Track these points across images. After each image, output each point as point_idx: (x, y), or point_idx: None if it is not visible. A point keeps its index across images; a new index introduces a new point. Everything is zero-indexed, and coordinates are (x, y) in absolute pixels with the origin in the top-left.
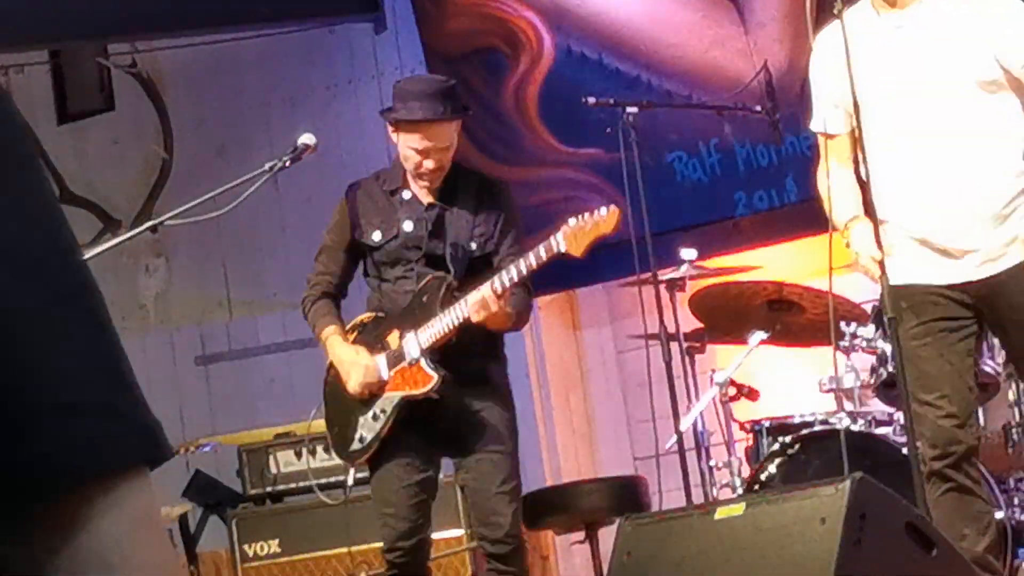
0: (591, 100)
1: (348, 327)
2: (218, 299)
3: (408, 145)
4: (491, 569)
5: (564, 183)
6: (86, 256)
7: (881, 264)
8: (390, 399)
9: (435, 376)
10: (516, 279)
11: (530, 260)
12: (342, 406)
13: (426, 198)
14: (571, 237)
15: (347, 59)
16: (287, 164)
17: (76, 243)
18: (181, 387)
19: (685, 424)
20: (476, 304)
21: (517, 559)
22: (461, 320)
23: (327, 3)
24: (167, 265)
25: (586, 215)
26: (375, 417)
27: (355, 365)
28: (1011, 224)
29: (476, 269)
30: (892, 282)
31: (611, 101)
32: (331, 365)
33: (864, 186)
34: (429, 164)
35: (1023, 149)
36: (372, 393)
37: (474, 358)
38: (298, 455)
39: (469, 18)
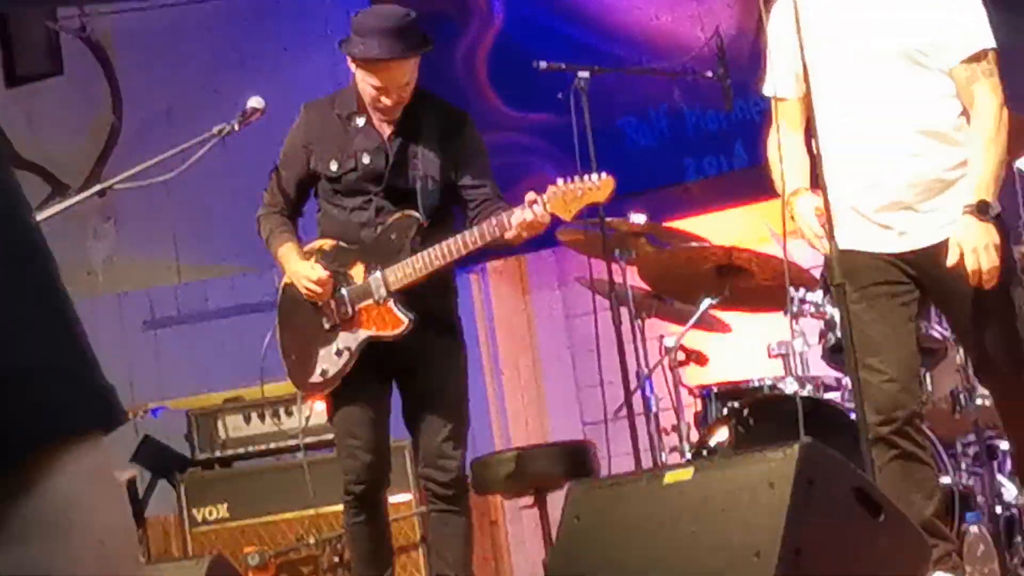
0: (542, 64)
1: (306, 250)
2: (167, 263)
3: (366, 81)
4: (436, 510)
5: (514, 148)
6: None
7: (829, 233)
8: (355, 336)
9: (406, 319)
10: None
11: (526, 213)
12: (300, 334)
13: (386, 127)
14: (558, 199)
15: (296, 22)
16: (236, 128)
17: (29, 208)
18: (130, 352)
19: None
20: (524, 223)
21: (464, 501)
22: (437, 264)
23: None
24: (116, 229)
25: (577, 179)
26: (339, 353)
27: (311, 280)
28: (949, 196)
29: (443, 201)
30: (825, 250)
31: (562, 66)
32: (286, 286)
33: (814, 155)
34: (387, 101)
35: (961, 122)
36: (334, 325)
37: (432, 298)
38: (247, 420)
39: None
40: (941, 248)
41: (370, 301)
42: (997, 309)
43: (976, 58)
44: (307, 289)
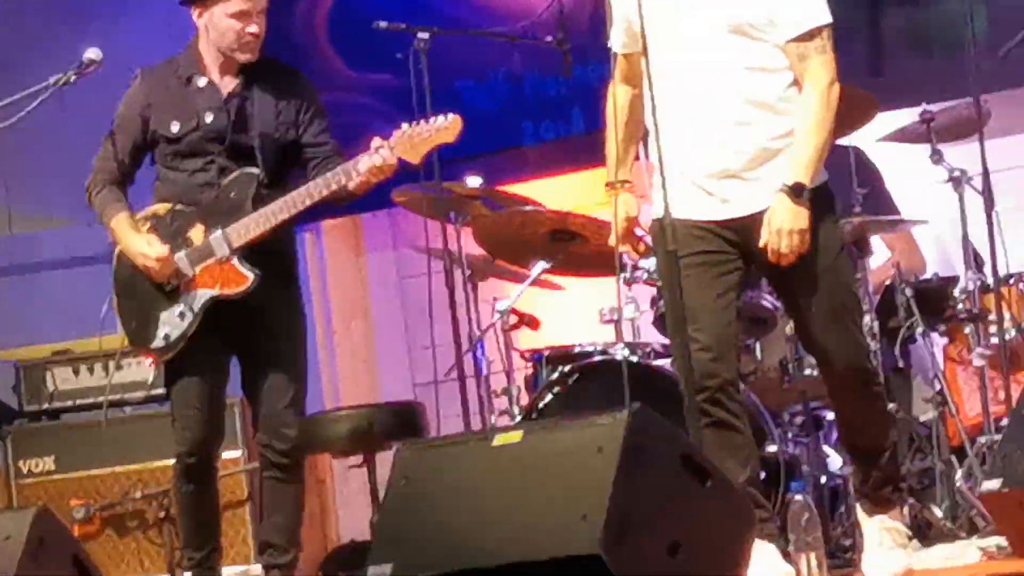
0: (382, 24)
1: (139, 217)
2: None
3: (227, 15)
4: (270, 476)
5: (353, 108)
6: None
7: (664, 197)
8: (198, 297)
9: (251, 275)
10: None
11: (374, 158)
12: (139, 299)
13: (226, 87)
14: (405, 142)
15: None
16: (72, 79)
17: None
18: None
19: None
20: (373, 168)
21: (299, 470)
22: (281, 217)
23: None
24: None
25: (423, 122)
26: (181, 315)
27: (148, 258)
28: (773, 165)
29: (283, 159)
30: (656, 215)
31: (402, 26)
32: (121, 253)
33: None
34: (253, 28)
35: (791, 92)
36: (175, 288)
37: (274, 254)
38: (76, 372)
39: None
40: (764, 216)
41: (212, 260)
42: (822, 279)
43: (809, 35)
44: (144, 266)
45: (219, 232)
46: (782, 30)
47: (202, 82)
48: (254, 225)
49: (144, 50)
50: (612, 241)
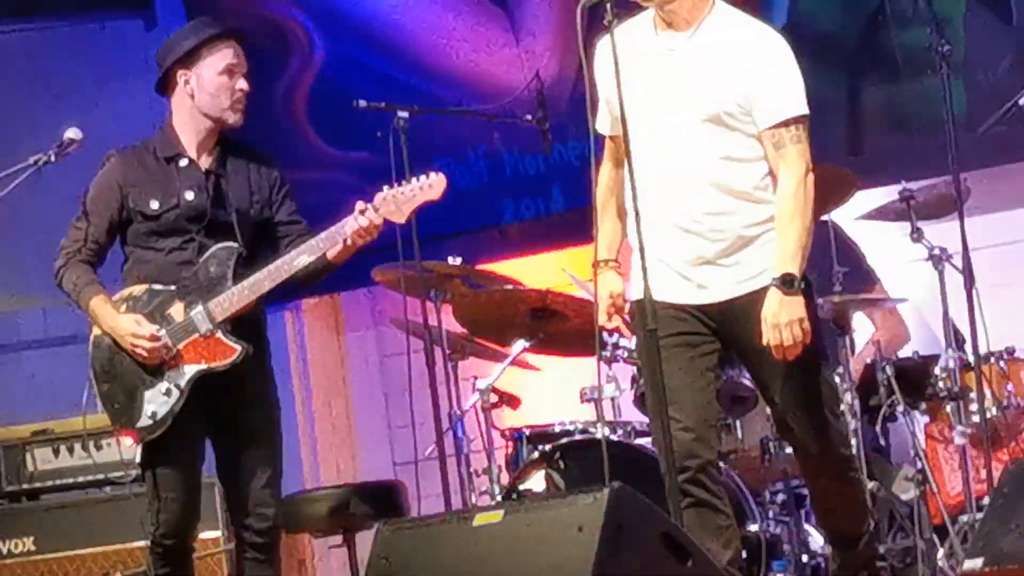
0: (362, 103)
1: (116, 298)
2: None
3: (216, 72)
4: (250, 559)
5: (333, 186)
6: None
7: (644, 278)
8: (184, 372)
9: (238, 347)
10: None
11: (361, 220)
12: (121, 380)
13: (203, 164)
14: (389, 204)
15: (116, 55)
16: (52, 159)
17: None
18: None
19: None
20: (359, 230)
21: (276, 549)
22: (266, 286)
23: None
24: None
25: (406, 182)
26: (168, 392)
27: (140, 337)
28: (749, 251)
29: (258, 237)
30: (635, 297)
31: (382, 105)
32: (99, 337)
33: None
34: (243, 85)
35: (767, 181)
36: (159, 365)
37: (249, 327)
38: (56, 452)
39: (240, 19)
40: (740, 302)
41: (195, 336)
42: (797, 368)
43: (784, 124)
44: (133, 346)
45: (200, 307)
46: (758, 120)
47: (183, 162)
48: (237, 298)
49: (124, 129)
50: (601, 319)
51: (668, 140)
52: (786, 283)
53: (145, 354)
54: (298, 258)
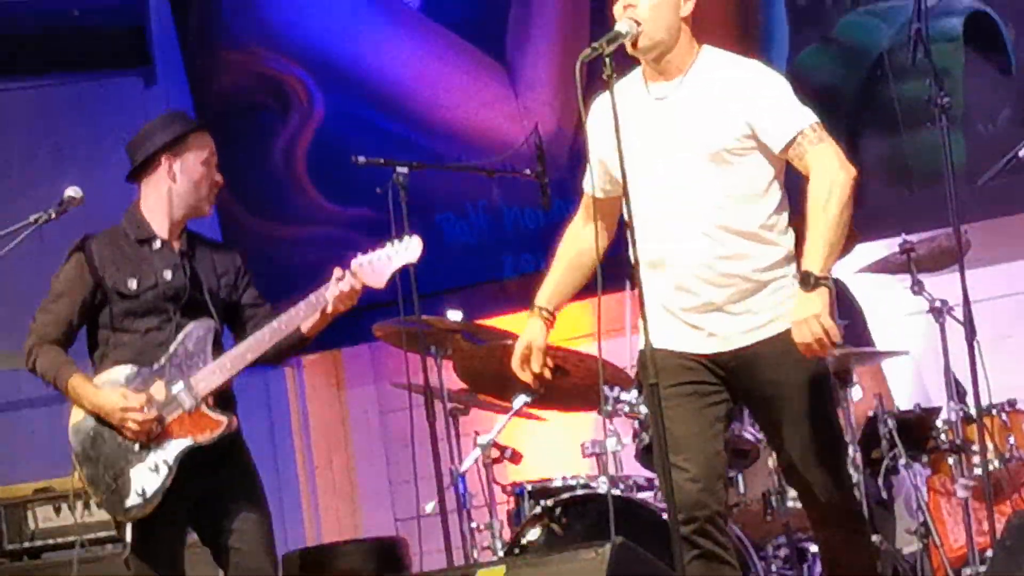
0: (361, 159)
1: (94, 381)
2: None
3: (198, 161)
4: None
5: (331, 242)
6: None
7: (644, 330)
8: (172, 447)
9: (224, 419)
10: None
11: (332, 290)
12: (104, 460)
13: (176, 247)
14: (366, 270)
15: (116, 112)
16: (52, 217)
17: None
18: None
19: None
20: (341, 296)
21: None
22: (249, 357)
23: (97, 55)
24: None
25: (382, 247)
26: (156, 468)
27: (130, 410)
28: (761, 297)
29: (227, 318)
30: (642, 346)
31: (381, 161)
32: (79, 422)
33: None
34: (219, 177)
35: (776, 220)
36: (145, 443)
37: (226, 406)
38: (58, 511)
39: (240, 75)
40: (750, 350)
41: (179, 412)
42: (806, 415)
43: (798, 136)
44: (123, 420)
45: (181, 384)
46: (772, 146)
47: (156, 244)
48: (219, 372)
49: (122, 188)
50: (513, 364)
51: (668, 185)
52: (804, 281)
53: (136, 427)
54: (277, 328)
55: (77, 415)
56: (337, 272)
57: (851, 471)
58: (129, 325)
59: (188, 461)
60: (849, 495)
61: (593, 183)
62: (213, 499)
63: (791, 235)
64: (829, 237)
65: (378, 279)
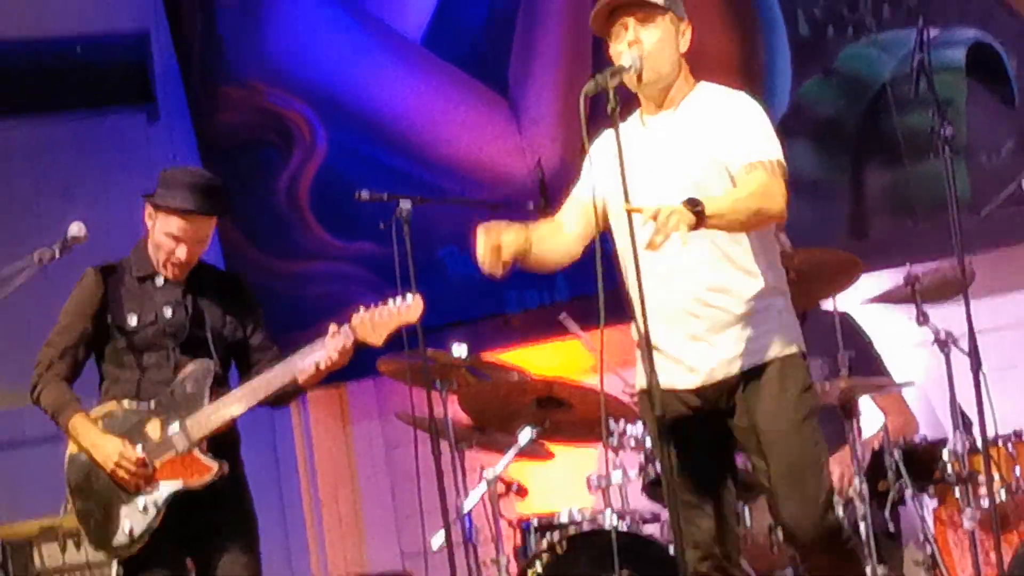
0: (364, 194)
1: (92, 415)
2: None
3: (164, 231)
4: None
5: (337, 277)
6: None
7: (649, 365)
8: (162, 489)
9: (214, 465)
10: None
11: (328, 346)
12: (96, 497)
13: (179, 284)
14: (364, 327)
15: (119, 149)
16: (57, 254)
17: None
18: None
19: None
20: (339, 349)
21: None
22: (246, 404)
23: (100, 92)
24: None
25: (383, 304)
26: (145, 509)
27: (126, 460)
28: (742, 329)
29: (229, 356)
30: (639, 386)
31: (384, 196)
32: (75, 454)
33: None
34: (181, 254)
35: (760, 255)
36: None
37: (226, 447)
38: (63, 548)
39: (243, 111)
40: (731, 381)
41: (172, 453)
42: (784, 439)
43: (756, 162)
44: (115, 470)
45: (176, 424)
46: (735, 165)
47: (159, 280)
48: (214, 417)
49: (126, 225)
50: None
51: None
52: (691, 201)
53: (127, 478)
54: (273, 378)
55: (74, 447)
56: (332, 328)
57: (857, 503)
58: (130, 361)
59: (179, 502)
60: (829, 518)
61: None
62: (205, 539)
63: (780, 270)
64: (738, 202)
65: (376, 337)
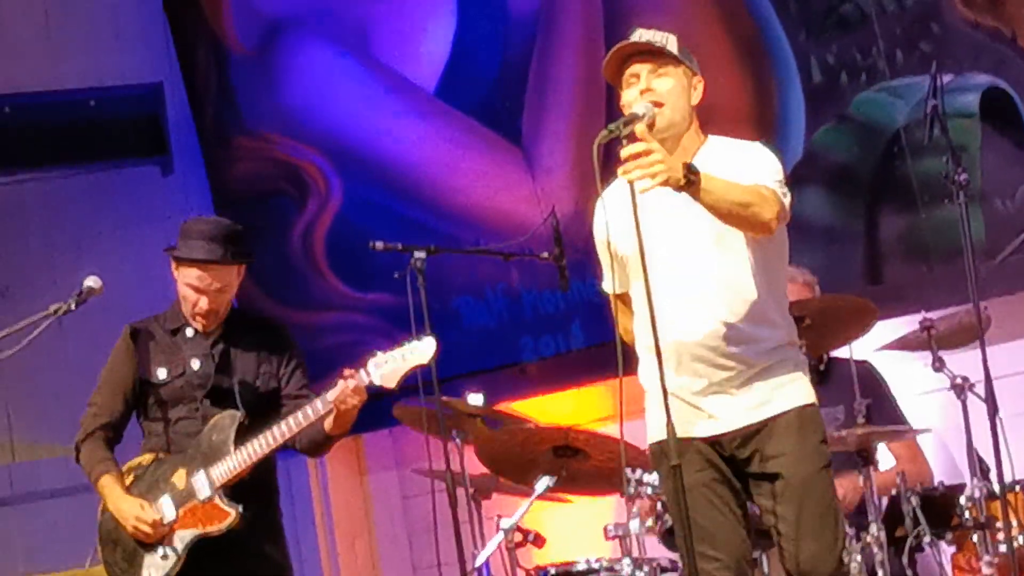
0: (378, 245)
1: (125, 468)
2: (1, 442)
3: (185, 282)
4: None
5: (351, 327)
6: None
7: (667, 411)
8: (181, 537)
9: (232, 511)
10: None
11: (349, 383)
12: (123, 544)
13: (212, 335)
14: (382, 370)
15: (134, 201)
16: (72, 307)
17: None
18: None
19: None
20: (347, 392)
21: None
22: (262, 451)
23: (114, 145)
24: None
25: (397, 347)
26: (164, 556)
27: (143, 522)
28: (761, 378)
29: (262, 407)
30: (654, 436)
31: (398, 246)
32: (106, 510)
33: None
34: (203, 304)
35: (776, 305)
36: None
37: (257, 496)
38: None
39: (257, 162)
40: (751, 429)
41: (194, 502)
42: (799, 489)
43: (764, 186)
44: (135, 529)
45: (201, 473)
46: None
47: (190, 332)
48: (237, 465)
49: (141, 277)
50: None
51: (673, 269)
52: (690, 167)
53: (144, 538)
54: (292, 424)
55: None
56: (346, 372)
57: (875, 550)
58: (160, 414)
59: (203, 548)
60: (844, 571)
61: (613, 282)
62: None
63: (791, 320)
64: (732, 188)
65: (390, 380)
